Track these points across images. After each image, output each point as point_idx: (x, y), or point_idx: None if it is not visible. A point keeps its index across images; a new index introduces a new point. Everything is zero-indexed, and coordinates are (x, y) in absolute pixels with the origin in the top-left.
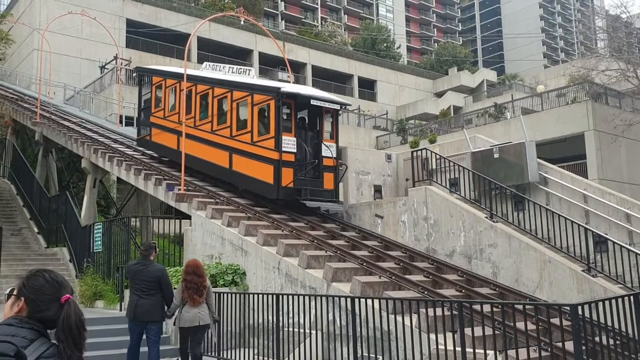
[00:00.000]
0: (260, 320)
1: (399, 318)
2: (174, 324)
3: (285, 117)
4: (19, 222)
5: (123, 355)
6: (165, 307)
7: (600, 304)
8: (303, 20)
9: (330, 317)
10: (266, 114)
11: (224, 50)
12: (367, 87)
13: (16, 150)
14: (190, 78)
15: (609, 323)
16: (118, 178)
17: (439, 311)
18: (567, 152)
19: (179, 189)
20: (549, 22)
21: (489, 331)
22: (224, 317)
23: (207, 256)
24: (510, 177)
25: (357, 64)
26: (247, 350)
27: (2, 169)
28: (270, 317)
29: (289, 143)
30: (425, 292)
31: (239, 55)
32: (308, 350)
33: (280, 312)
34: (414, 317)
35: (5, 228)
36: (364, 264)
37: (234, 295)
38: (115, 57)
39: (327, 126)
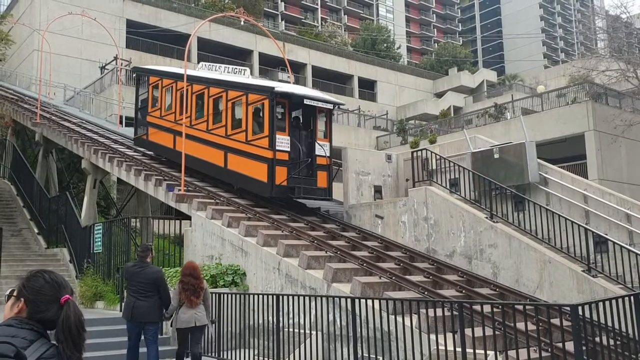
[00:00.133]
0: (261, 321)
1: (399, 318)
2: (171, 325)
3: (279, 116)
4: (19, 223)
5: (123, 356)
6: (164, 309)
7: (601, 304)
8: (303, 20)
9: (331, 318)
10: (260, 113)
11: (224, 51)
12: (367, 88)
13: (16, 151)
14: (187, 78)
15: (609, 323)
16: (118, 179)
17: (439, 312)
18: (567, 153)
19: (179, 190)
20: (549, 22)
21: (489, 331)
22: (224, 318)
23: (207, 257)
24: (510, 177)
25: (357, 64)
26: (247, 350)
27: (2, 169)
28: (270, 318)
29: (283, 142)
30: (426, 293)
31: (239, 56)
32: (308, 351)
33: (281, 313)
34: (414, 317)
35: (6, 229)
36: (364, 264)
37: (234, 295)
38: (115, 58)
39: (320, 125)
